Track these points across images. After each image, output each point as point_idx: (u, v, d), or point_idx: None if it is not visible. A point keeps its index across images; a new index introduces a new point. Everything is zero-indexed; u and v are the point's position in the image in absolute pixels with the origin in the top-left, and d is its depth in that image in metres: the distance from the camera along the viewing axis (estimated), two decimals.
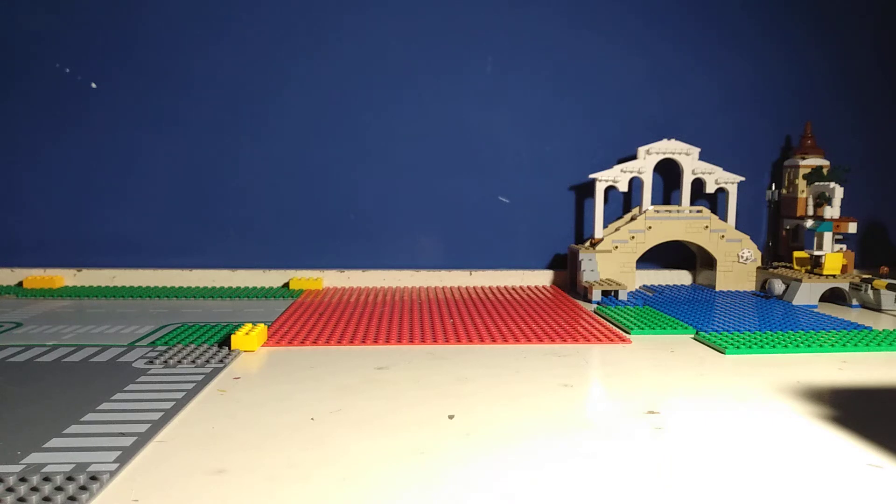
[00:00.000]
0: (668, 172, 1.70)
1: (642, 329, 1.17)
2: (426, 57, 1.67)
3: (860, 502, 0.56)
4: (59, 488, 0.55)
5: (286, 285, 1.67)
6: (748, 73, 1.73)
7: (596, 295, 1.46)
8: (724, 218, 1.64)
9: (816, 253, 1.48)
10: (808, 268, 1.52)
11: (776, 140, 1.76)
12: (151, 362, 0.95)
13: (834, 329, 1.18)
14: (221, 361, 0.95)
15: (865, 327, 1.20)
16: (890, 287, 1.34)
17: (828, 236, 1.47)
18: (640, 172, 1.61)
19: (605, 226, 1.67)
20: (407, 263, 1.71)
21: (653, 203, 1.64)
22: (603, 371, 0.96)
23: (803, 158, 1.64)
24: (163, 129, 1.64)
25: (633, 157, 1.64)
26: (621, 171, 1.61)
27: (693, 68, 1.72)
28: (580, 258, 1.57)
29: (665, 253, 1.70)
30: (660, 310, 1.35)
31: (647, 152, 1.60)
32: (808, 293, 1.43)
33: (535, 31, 1.68)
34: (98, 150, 1.64)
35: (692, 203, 1.68)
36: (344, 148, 1.67)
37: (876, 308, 1.40)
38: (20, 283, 1.63)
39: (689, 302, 1.45)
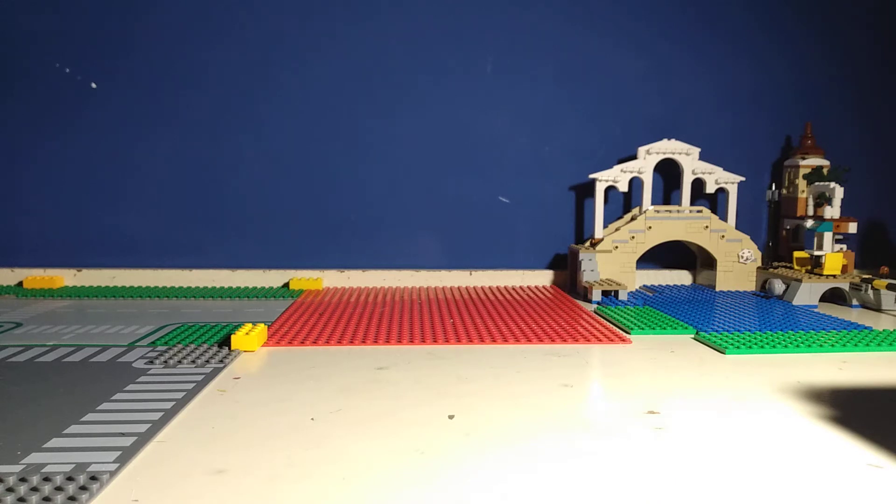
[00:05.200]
0: (668, 172, 1.70)
1: (642, 329, 1.17)
2: (427, 57, 1.67)
3: (860, 502, 0.56)
4: (59, 488, 0.55)
5: (286, 285, 1.67)
6: (748, 73, 1.73)
7: (596, 295, 1.46)
8: (724, 218, 1.64)
9: (816, 253, 1.48)
10: (809, 268, 1.52)
11: (776, 140, 1.76)
12: (151, 362, 0.95)
13: (834, 329, 1.18)
14: (221, 361, 0.95)
15: (865, 327, 1.20)
16: (890, 287, 1.34)
17: (828, 236, 1.47)
18: (640, 172, 1.61)
19: (605, 226, 1.67)
20: (407, 263, 1.71)
21: (653, 203, 1.64)
22: (603, 371, 0.96)
23: (803, 158, 1.64)
24: (163, 128, 1.64)
25: (633, 157, 1.64)
26: (621, 171, 1.61)
27: (693, 68, 1.72)
28: (580, 258, 1.57)
29: (665, 253, 1.70)
30: (660, 310, 1.35)
31: (647, 152, 1.60)
32: (808, 293, 1.43)
33: (535, 31, 1.68)
34: (98, 150, 1.64)
35: (692, 203, 1.68)
36: (344, 148, 1.67)
37: (876, 308, 1.40)
38: (20, 283, 1.63)
39: (689, 302, 1.45)
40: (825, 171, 1.60)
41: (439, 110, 1.68)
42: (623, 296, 1.46)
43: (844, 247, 1.54)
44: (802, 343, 1.07)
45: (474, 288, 1.66)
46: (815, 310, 1.38)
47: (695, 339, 1.14)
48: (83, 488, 0.56)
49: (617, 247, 1.59)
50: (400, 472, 0.61)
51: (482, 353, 1.04)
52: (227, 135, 1.65)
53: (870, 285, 1.40)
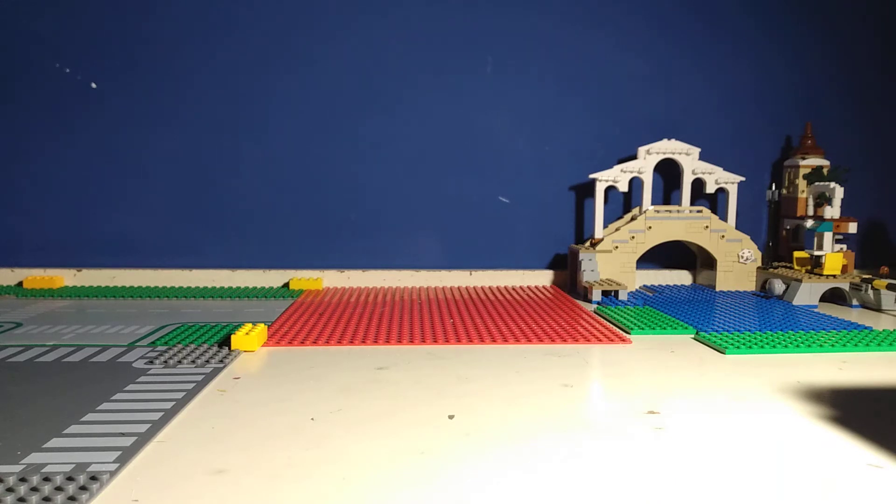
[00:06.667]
0: (668, 172, 1.70)
1: (642, 329, 1.17)
2: (426, 57, 1.67)
3: (860, 502, 0.56)
4: (59, 488, 0.55)
5: (286, 285, 1.67)
6: (748, 73, 1.73)
7: (596, 295, 1.46)
8: (724, 218, 1.64)
9: (816, 253, 1.48)
10: (809, 268, 1.52)
11: (776, 140, 1.76)
12: (151, 362, 0.95)
13: (834, 329, 1.18)
14: (221, 361, 0.95)
15: (865, 327, 1.20)
16: (890, 287, 1.34)
17: (828, 236, 1.47)
18: (640, 172, 1.61)
19: (605, 226, 1.67)
20: (407, 263, 1.71)
21: (653, 203, 1.64)
22: (603, 371, 0.96)
23: (803, 158, 1.64)
24: (163, 128, 1.64)
25: (633, 157, 1.64)
26: (621, 171, 1.61)
27: (693, 68, 1.72)
28: (580, 258, 1.57)
29: (665, 253, 1.70)
30: (660, 310, 1.35)
31: (647, 152, 1.60)
32: (808, 293, 1.43)
33: (535, 31, 1.68)
34: (98, 150, 1.64)
35: (692, 203, 1.68)
36: (344, 148, 1.67)
37: (876, 308, 1.40)
38: (20, 283, 1.63)
39: (689, 302, 1.45)
40: (825, 171, 1.60)
41: (439, 110, 1.68)
42: (623, 296, 1.46)
43: (844, 247, 1.54)
44: (802, 343, 1.07)
45: (474, 288, 1.66)
46: (815, 310, 1.38)
47: (695, 339, 1.14)
48: (83, 488, 0.56)
49: (617, 247, 1.59)
50: (400, 472, 0.61)
51: (482, 353, 1.04)
52: (227, 135, 1.65)
53: (870, 285, 1.40)
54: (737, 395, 0.84)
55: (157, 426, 0.71)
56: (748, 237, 1.62)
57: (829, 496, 0.57)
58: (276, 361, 0.98)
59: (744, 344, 1.06)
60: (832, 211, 1.53)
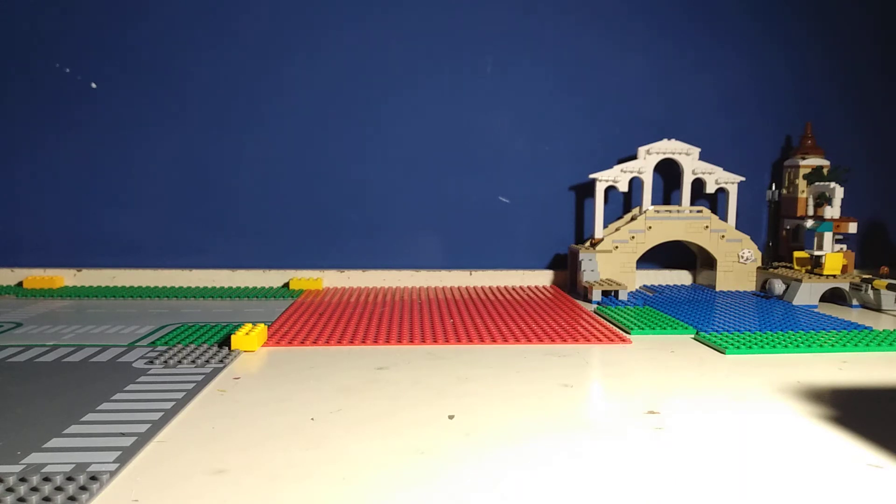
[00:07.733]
0: (668, 172, 1.70)
1: (642, 329, 1.17)
2: (426, 57, 1.67)
3: (860, 502, 0.56)
4: (59, 488, 0.55)
5: (286, 285, 1.67)
6: (748, 73, 1.73)
7: (596, 295, 1.46)
8: (724, 218, 1.64)
9: (817, 253, 1.48)
10: (809, 268, 1.52)
11: (776, 140, 1.76)
12: (151, 362, 0.95)
13: (834, 329, 1.18)
14: (221, 361, 0.95)
15: (865, 327, 1.20)
16: (890, 287, 1.34)
17: (828, 236, 1.47)
18: (640, 172, 1.61)
19: (605, 226, 1.67)
20: (407, 263, 1.71)
21: (653, 203, 1.64)
22: (603, 371, 0.96)
23: (803, 158, 1.64)
24: (163, 128, 1.64)
25: (633, 157, 1.64)
26: (621, 171, 1.61)
27: (693, 68, 1.72)
28: (580, 258, 1.57)
29: (665, 253, 1.70)
30: (660, 310, 1.35)
31: (647, 152, 1.60)
32: (808, 293, 1.43)
33: (535, 31, 1.68)
34: (98, 150, 1.64)
35: (692, 203, 1.68)
36: (344, 148, 1.67)
37: (876, 308, 1.40)
38: (20, 283, 1.63)
39: (689, 302, 1.45)
40: (825, 171, 1.60)
41: (439, 110, 1.68)
42: (623, 296, 1.46)
43: (844, 247, 1.54)
44: (802, 343, 1.07)
45: (474, 288, 1.66)
46: (815, 310, 1.38)
47: (695, 339, 1.14)
48: (83, 488, 0.56)
49: (617, 247, 1.59)
50: (400, 472, 0.61)
51: (482, 353, 1.04)
52: (227, 135, 1.65)
53: (870, 285, 1.40)
54: (737, 395, 0.84)
55: (157, 426, 0.71)
56: (748, 237, 1.62)
57: (830, 496, 0.57)
58: (276, 361, 0.98)
59: (744, 344, 1.06)
60: (832, 211, 1.53)
